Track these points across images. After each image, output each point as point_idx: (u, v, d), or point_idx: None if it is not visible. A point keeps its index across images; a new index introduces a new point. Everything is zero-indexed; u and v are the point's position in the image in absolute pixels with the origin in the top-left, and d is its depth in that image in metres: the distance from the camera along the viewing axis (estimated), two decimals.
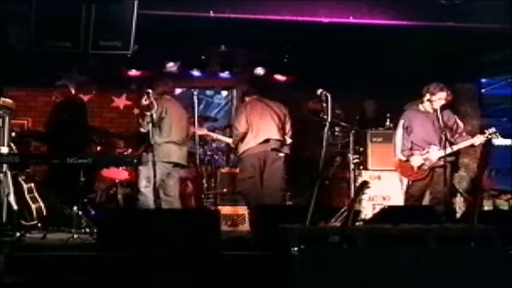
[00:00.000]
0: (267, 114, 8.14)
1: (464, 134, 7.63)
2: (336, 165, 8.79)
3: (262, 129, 8.06)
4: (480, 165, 7.39)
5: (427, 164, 7.43)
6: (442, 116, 7.36)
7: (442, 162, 7.25)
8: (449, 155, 7.35)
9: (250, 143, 8.04)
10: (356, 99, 9.68)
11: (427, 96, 7.43)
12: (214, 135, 9.01)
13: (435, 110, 7.36)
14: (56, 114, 8.26)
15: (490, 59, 9.58)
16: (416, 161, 7.50)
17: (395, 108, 9.09)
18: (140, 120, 7.58)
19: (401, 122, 7.70)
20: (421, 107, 7.58)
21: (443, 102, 7.44)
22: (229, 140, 8.64)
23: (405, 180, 7.98)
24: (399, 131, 7.69)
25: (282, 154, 8.11)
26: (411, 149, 7.57)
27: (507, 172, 9.43)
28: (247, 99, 8.40)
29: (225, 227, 8.10)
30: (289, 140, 8.22)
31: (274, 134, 8.08)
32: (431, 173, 7.46)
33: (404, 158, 7.58)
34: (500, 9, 7.68)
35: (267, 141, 8.02)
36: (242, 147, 8.11)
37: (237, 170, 8.68)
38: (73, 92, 8.61)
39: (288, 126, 8.26)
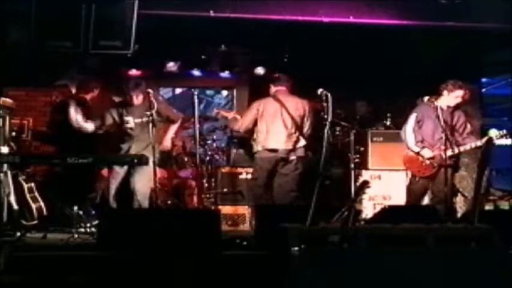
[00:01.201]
0: (278, 120, 7.75)
1: (470, 136, 7.59)
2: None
3: (271, 137, 7.77)
4: (480, 165, 7.37)
5: (436, 160, 7.39)
6: (453, 115, 7.35)
7: (448, 161, 7.23)
8: (454, 155, 7.35)
9: (259, 147, 7.85)
10: (356, 99, 9.68)
11: (445, 93, 7.40)
12: (230, 115, 8.67)
13: (449, 108, 7.35)
14: (60, 115, 8.24)
15: (491, 59, 9.59)
16: (427, 153, 7.45)
17: (395, 108, 9.12)
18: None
19: (414, 115, 7.58)
20: (436, 103, 7.48)
21: (459, 100, 7.41)
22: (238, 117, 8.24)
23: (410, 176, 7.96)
24: (410, 123, 7.59)
25: (292, 157, 7.78)
26: (422, 142, 7.53)
27: (507, 172, 9.43)
28: (273, 89, 7.99)
29: (226, 226, 8.09)
30: (302, 143, 7.80)
31: (282, 144, 7.75)
32: (436, 171, 7.43)
33: (418, 149, 7.51)
34: (501, 9, 7.69)
35: (275, 150, 7.77)
36: (255, 147, 7.95)
37: (238, 170, 8.69)
38: (73, 91, 8.59)
39: (306, 126, 7.83)
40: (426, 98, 7.51)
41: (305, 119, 7.83)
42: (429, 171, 7.48)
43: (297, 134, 7.79)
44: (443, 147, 7.21)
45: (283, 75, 8.10)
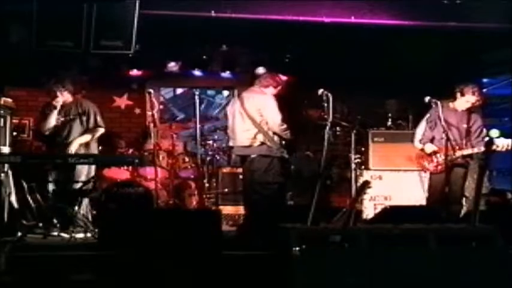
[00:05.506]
0: (237, 117, 7.20)
1: (482, 142, 7.52)
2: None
3: (229, 134, 7.49)
4: (481, 166, 7.35)
5: (439, 156, 7.32)
6: (469, 118, 7.32)
7: (461, 160, 7.21)
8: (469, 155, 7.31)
9: None
10: (357, 99, 9.68)
11: (457, 95, 7.39)
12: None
13: (464, 110, 7.34)
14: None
15: (492, 59, 9.58)
16: (429, 148, 7.39)
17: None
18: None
19: (427, 115, 7.57)
20: (451, 104, 7.47)
21: (469, 105, 7.37)
22: None
23: (426, 180, 7.90)
24: (422, 123, 7.59)
25: (253, 156, 7.09)
26: (431, 141, 7.47)
27: (507, 172, 9.42)
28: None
29: (226, 226, 8.09)
30: (260, 139, 7.05)
31: (236, 141, 7.26)
32: (451, 170, 7.33)
33: (420, 146, 7.48)
34: (502, 9, 7.69)
35: (231, 148, 7.53)
36: None
37: (238, 170, 8.68)
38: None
39: (268, 121, 7.04)
40: (431, 100, 7.48)
41: (263, 112, 7.06)
42: (441, 168, 7.33)
43: (256, 130, 7.04)
44: (457, 147, 7.19)
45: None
